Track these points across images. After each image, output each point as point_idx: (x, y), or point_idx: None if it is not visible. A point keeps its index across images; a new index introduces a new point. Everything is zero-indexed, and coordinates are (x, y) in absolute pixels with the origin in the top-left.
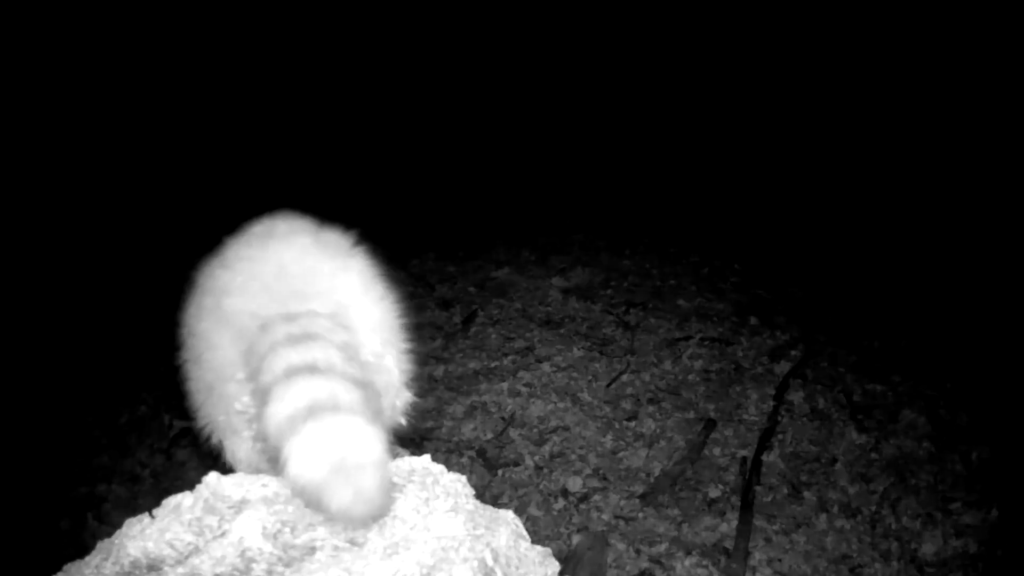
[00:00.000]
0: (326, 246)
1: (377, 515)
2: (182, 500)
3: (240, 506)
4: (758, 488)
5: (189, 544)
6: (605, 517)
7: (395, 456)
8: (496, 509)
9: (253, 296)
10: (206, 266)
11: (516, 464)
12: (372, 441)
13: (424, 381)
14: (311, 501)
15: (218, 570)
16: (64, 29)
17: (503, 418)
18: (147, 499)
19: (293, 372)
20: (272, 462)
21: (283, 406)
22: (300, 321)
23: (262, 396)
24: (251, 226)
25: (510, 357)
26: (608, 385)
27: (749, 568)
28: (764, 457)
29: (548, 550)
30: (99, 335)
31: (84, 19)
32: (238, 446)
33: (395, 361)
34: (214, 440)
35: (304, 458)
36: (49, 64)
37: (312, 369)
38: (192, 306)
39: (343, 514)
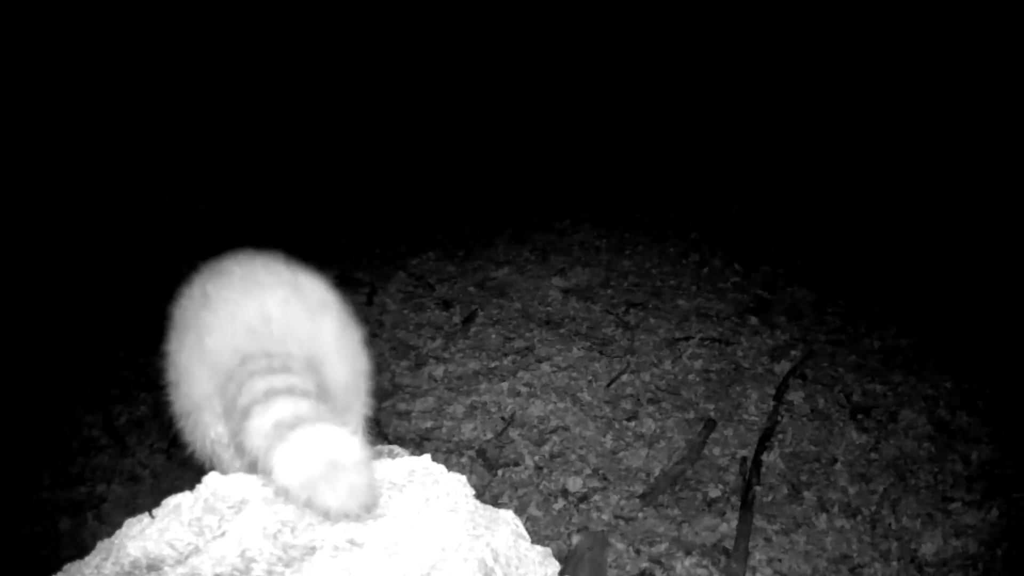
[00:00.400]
0: (305, 295)
1: (366, 510)
2: (182, 500)
3: (240, 506)
4: (758, 488)
5: (189, 544)
6: (605, 517)
7: (394, 456)
8: (496, 509)
9: (234, 336)
10: (187, 302)
11: (516, 464)
12: (355, 443)
13: (424, 381)
14: (301, 502)
15: (218, 570)
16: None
17: (503, 418)
18: (147, 499)
19: (273, 393)
20: (260, 474)
21: (266, 419)
22: (279, 357)
23: (242, 414)
24: (230, 263)
25: (510, 357)
26: (608, 385)
27: (749, 568)
28: (764, 457)
29: (548, 550)
30: (99, 336)
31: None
32: (223, 467)
33: (358, 416)
34: (203, 461)
35: (294, 462)
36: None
37: (291, 391)
38: (174, 341)
39: (335, 511)
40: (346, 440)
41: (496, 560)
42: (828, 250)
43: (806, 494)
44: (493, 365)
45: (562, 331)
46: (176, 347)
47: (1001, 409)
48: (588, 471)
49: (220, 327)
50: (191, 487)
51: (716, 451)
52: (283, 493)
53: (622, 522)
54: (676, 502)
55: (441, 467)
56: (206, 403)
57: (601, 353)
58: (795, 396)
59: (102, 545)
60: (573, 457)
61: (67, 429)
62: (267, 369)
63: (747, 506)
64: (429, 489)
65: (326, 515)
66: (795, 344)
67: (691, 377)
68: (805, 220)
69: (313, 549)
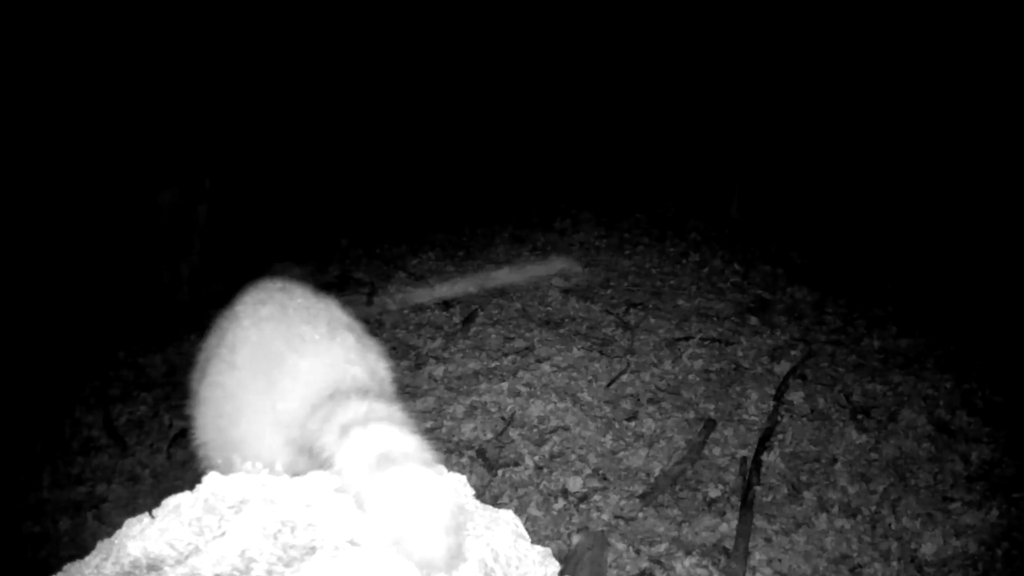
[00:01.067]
0: (334, 332)
1: (448, 570)
2: (182, 500)
3: (240, 506)
4: (758, 488)
5: (189, 544)
6: (605, 517)
7: None
8: (496, 509)
9: (317, 377)
10: (220, 358)
11: (516, 464)
12: (455, 501)
13: (424, 381)
14: (389, 540)
15: (218, 570)
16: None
17: (503, 418)
18: (147, 499)
19: (375, 418)
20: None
21: (370, 447)
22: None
23: (341, 432)
24: (267, 299)
25: (510, 357)
26: (608, 385)
27: (749, 568)
28: (764, 457)
29: (548, 550)
30: (99, 336)
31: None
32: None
33: None
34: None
35: (395, 503)
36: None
37: (390, 419)
38: (220, 379)
39: (423, 563)
40: (450, 496)
41: (496, 560)
42: (828, 250)
43: (806, 494)
44: (493, 365)
45: (562, 331)
46: (225, 386)
47: (1001, 409)
48: (588, 471)
49: (297, 372)
50: (191, 487)
51: (716, 451)
52: (370, 524)
53: (622, 522)
54: (676, 502)
55: (441, 467)
56: (261, 439)
57: (601, 353)
58: (795, 396)
59: (102, 545)
60: (573, 457)
61: (67, 429)
62: (362, 393)
63: (747, 506)
64: None
65: (410, 559)
66: (795, 344)
67: (691, 377)
68: (805, 220)
69: (313, 549)
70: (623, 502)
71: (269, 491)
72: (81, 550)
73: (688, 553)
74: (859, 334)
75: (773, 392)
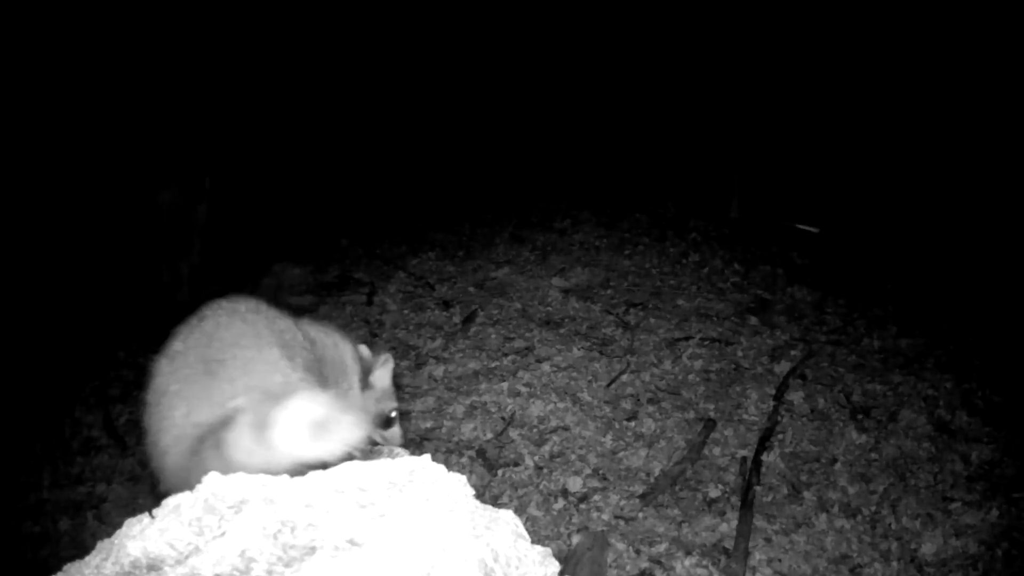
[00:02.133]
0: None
1: (346, 456)
2: (182, 500)
3: (240, 506)
4: (758, 488)
5: (189, 544)
6: (605, 517)
7: (394, 456)
8: (496, 509)
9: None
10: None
11: (516, 464)
12: (332, 402)
13: (424, 381)
14: (295, 460)
15: (218, 570)
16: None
17: (503, 418)
18: (147, 499)
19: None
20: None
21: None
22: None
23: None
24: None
25: (510, 357)
26: (608, 385)
27: (749, 568)
28: (764, 457)
29: (548, 550)
30: (99, 335)
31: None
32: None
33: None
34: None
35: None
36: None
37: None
38: (173, 410)
39: (331, 460)
40: (327, 401)
41: (496, 560)
42: (828, 250)
43: (806, 494)
44: (493, 365)
45: (562, 331)
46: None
47: (1001, 409)
48: (588, 471)
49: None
50: (191, 487)
51: (716, 451)
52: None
53: (622, 522)
54: (676, 502)
55: (441, 467)
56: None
57: (601, 353)
58: (795, 396)
59: (102, 545)
60: (573, 457)
61: (67, 429)
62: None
63: (747, 506)
64: (429, 489)
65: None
66: (795, 344)
67: (691, 377)
68: (805, 220)
69: (313, 549)
70: (623, 502)
71: (269, 491)
72: (81, 550)
73: (688, 553)
74: (859, 334)
75: (773, 392)
